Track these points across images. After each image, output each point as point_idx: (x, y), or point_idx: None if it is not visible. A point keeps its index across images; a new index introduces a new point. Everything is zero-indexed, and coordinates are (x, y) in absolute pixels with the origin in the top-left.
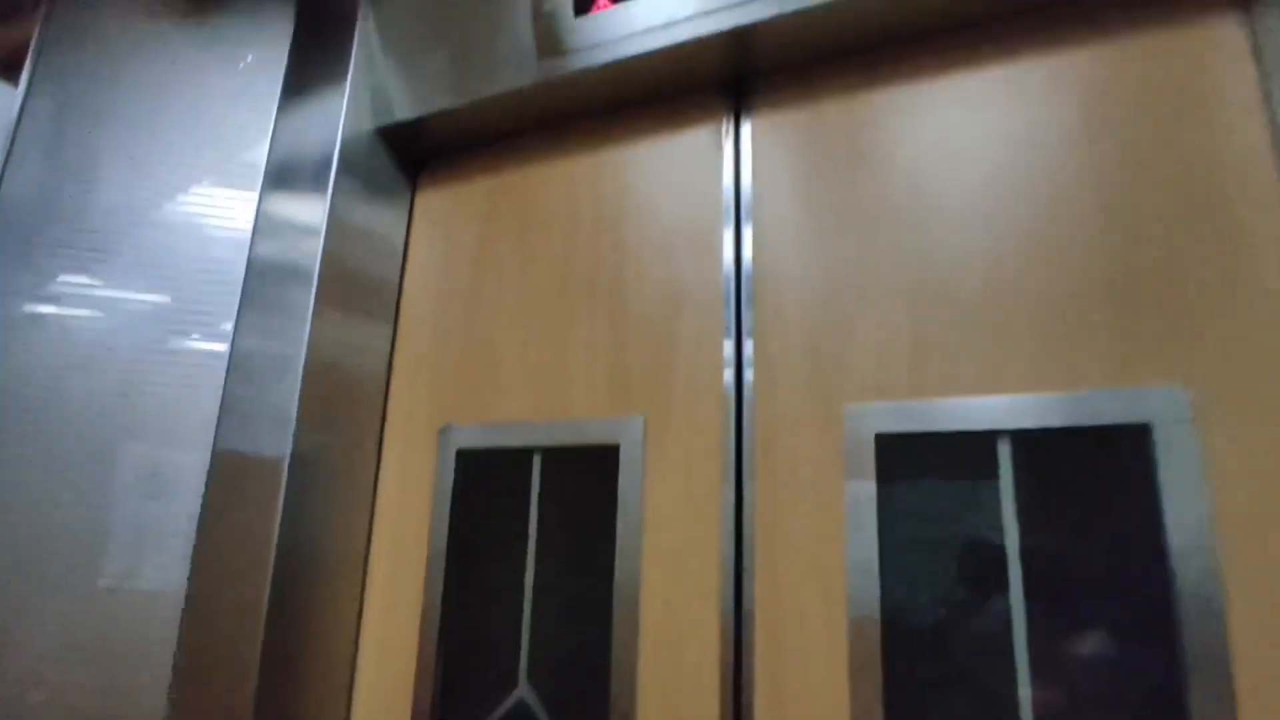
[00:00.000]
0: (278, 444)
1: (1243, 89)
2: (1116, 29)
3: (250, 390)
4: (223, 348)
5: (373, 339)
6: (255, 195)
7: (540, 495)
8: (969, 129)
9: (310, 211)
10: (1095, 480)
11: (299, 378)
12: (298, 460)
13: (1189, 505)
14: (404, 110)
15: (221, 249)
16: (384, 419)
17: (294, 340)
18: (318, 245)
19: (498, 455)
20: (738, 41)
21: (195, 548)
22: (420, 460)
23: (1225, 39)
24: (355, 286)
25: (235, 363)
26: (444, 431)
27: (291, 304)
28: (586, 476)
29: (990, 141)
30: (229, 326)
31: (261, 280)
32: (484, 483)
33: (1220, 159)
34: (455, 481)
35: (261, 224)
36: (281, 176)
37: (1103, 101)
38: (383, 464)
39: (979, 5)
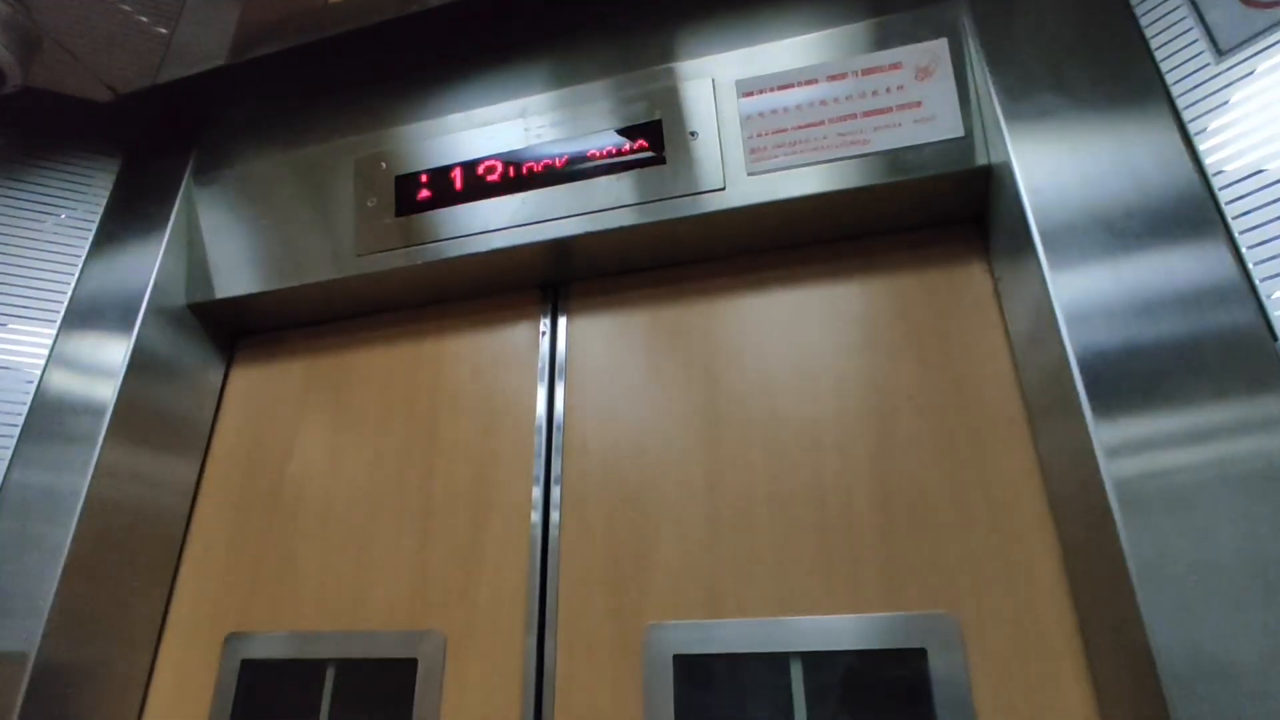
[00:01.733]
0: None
1: (989, 330)
2: (889, 267)
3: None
4: None
5: (162, 526)
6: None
7: (331, 711)
8: (758, 343)
9: (104, 389)
10: (880, 698)
11: (63, 557)
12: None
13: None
14: (219, 288)
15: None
16: (164, 623)
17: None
18: (101, 427)
19: (287, 666)
20: (554, 252)
21: None
22: (200, 669)
23: (974, 284)
24: (144, 472)
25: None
26: (230, 640)
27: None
28: (382, 692)
29: (775, 358)
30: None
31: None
32: (270, 695)
33: (971, 392)
34: (238, 694)
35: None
36: (79, 339)
37: (876, 332)
38: (155, 671)
39: (766, 238)
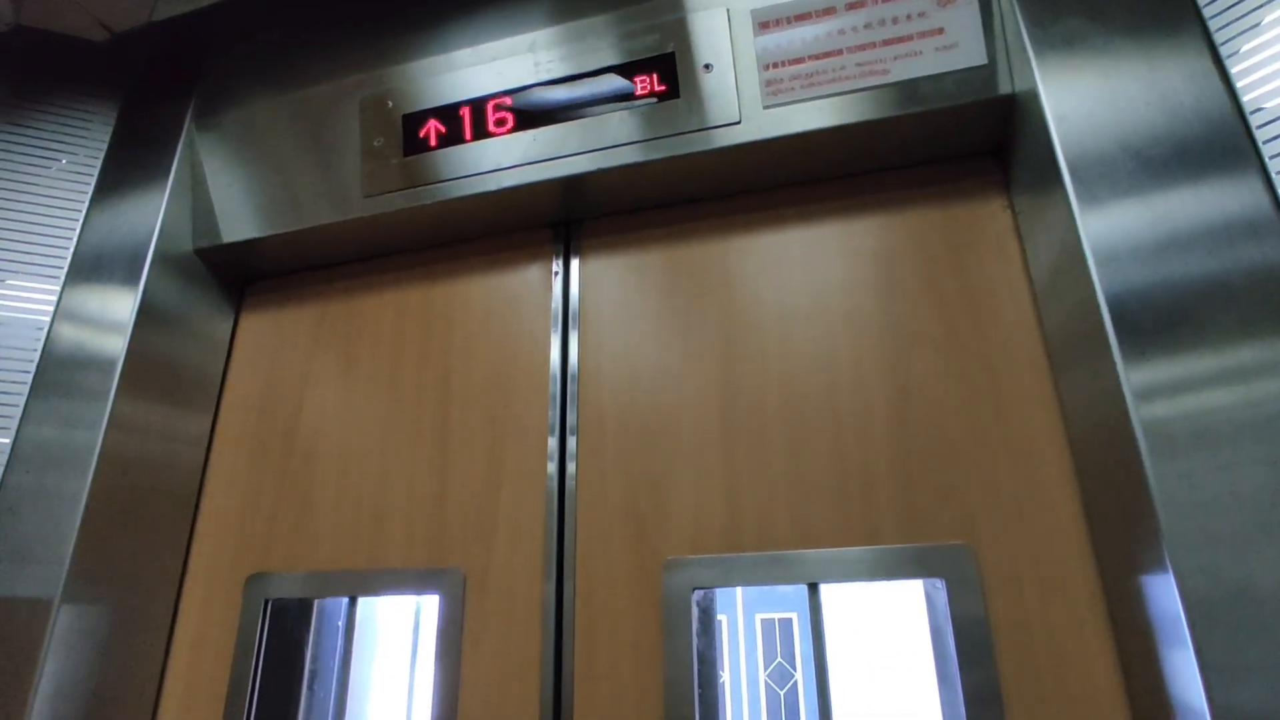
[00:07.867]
0: (48, 581)
1: (1008, 265)
2: (906, 202)
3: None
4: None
5: (179, 475)
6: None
7: (353, 645)
8: (774, 281)
9: (113, 342)
10: (898, 627)
11: (80, 509)
12: (72, 602)
13: (977, 648)
14: (226, 233)
15: (15, 337)
16: (185, 566)
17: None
18: (112, 381)
19: (309, 604)
20: (566, 189)
21: None
22: (223, 609)
23: (994, 218)
24: (158, 424)
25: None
26: (251, 581)
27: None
28: (403, 627)
29: (791, 295)
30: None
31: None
32: (292, 632)
33: (989, 327)
34: (261, 631)
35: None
36: (85, 291)
37: (892, 267)
38: (180, 613)
39: (782, 172)
